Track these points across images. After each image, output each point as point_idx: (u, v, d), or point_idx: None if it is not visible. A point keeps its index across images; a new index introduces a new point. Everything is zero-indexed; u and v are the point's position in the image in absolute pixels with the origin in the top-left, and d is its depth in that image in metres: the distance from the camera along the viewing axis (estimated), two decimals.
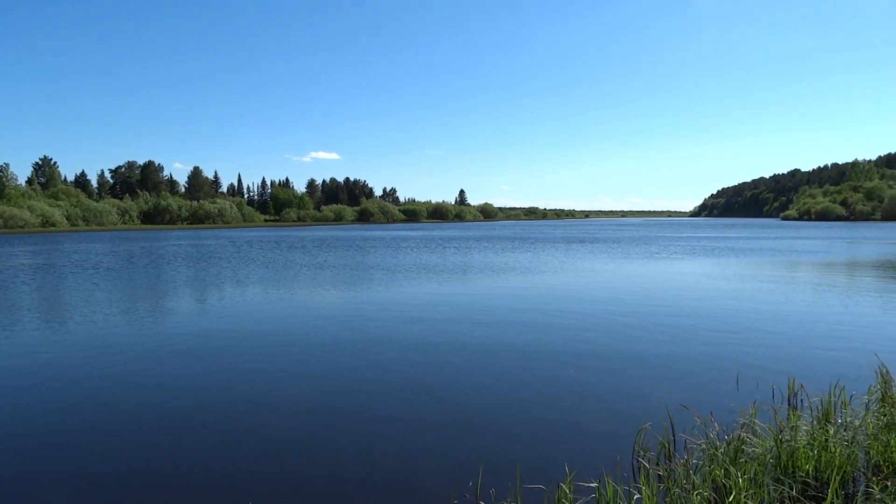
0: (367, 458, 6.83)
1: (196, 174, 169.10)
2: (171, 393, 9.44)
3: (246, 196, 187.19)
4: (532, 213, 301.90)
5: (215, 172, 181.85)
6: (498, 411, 8.39)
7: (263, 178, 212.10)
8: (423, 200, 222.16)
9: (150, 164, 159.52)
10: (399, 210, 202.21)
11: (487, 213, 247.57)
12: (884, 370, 7.63)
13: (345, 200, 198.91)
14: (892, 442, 5.97)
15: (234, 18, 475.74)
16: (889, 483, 5.32)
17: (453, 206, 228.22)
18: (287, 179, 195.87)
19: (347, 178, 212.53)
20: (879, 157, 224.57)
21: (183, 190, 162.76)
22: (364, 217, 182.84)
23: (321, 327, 14.85)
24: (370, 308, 17.89)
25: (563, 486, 5.34)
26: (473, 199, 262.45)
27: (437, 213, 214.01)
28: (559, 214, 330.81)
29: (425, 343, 12.87)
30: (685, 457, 6.04)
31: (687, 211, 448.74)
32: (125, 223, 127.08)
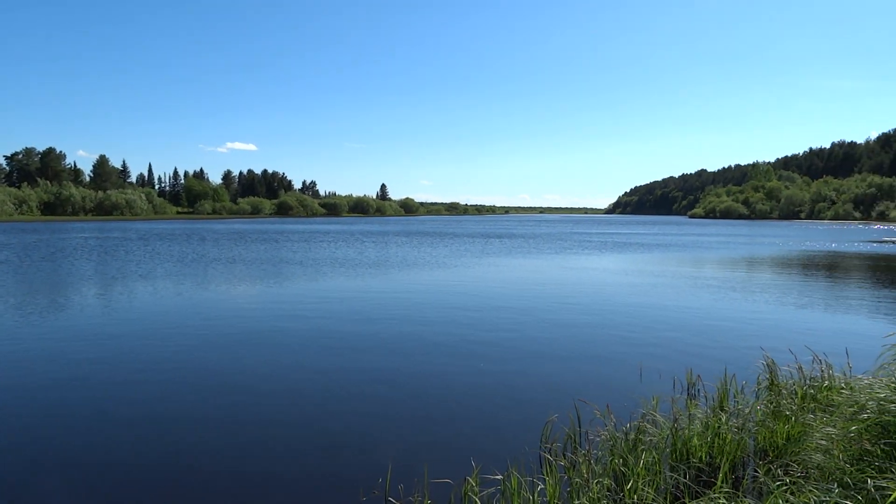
0: (275, 459, 6.69)
1: (102, 163, 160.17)
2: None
3: (157, 187, 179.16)
4: (453, 209, 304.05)
5: (123, 162, 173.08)
6: (407, 408, 8.41)
7: (176, 169, 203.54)
8: (343, 194, 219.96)
9: (50, 151, 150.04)
10: (319, 204, 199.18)
11: (409, 207, 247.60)
12: (770, 361, 8.12)
13: (263, 193, 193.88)
14: (777, 428, 6.36)
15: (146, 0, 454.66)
16: (772, 466, 5.66)
17: (374, 200, 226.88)
18: (202, 170, 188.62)
19: (265, 171, 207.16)
20: (777, 159, 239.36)
21: (88, 179, 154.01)
22: (283, 210, 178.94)
23: (223, 326, 14.43)
24: (276, 306, 17.54)
25: (470, 480, 5.41)
26: (395, 194, 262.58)
27: (358, 207, 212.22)
28: (480, 210, 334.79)
29: (333, 341, 12.73)
30: (589, 448, 6.24)
31: (602, 208, 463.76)
32: (22, 213, 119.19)
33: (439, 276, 25.13)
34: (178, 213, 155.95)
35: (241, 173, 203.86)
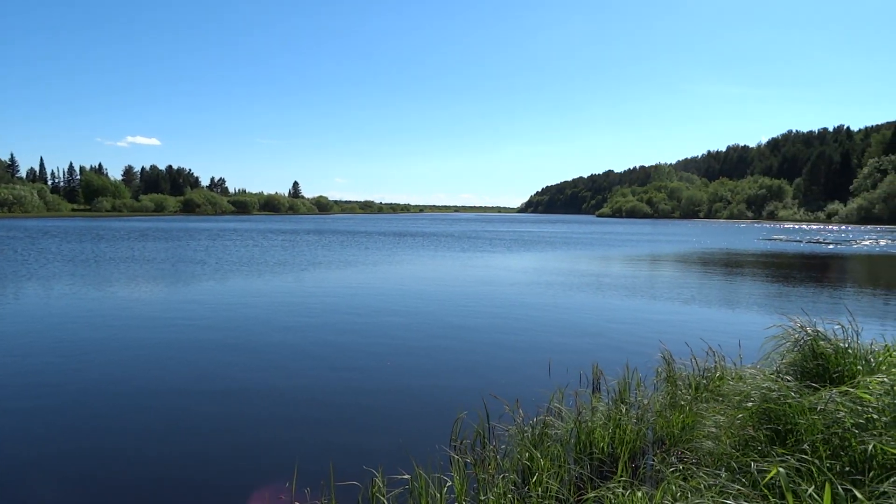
0: (175, 465, 6.41)
1: None
2: None
3: (50, 183, 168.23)
4: (368, 207, 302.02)
5: (11, 155, 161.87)
6: (312, 409, 8.27)
7: (71, 164, 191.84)
8: (254, 192, 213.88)
9: None
10: (228, 201, 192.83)
11: (322, 206, 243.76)
12: (667, 354, 8.51)
13: (167, 190, 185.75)
14: (673, 417, 6.66)
15: None
16: (668, 454, 5.93)
17: (286, 198, 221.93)
18: (100, 165, 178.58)
19: (170, 166, 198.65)
20: (678, 161, 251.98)
21: None
22: (189, 208, 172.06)
23: (115, 329, 13.74)
24: (173, 306, 16.87)
25: (377, 480, 5.37)
26: (308, 192, 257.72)
27: (270, 205, 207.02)
28: (395, 209, 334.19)
29: (232, 342, 12.37)
30: (496, 443, 6.33)
31: (515, 207, 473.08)
32: None
33: (347, 276, 24.89)
34: (74, 210, 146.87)
35: (143, 169, 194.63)
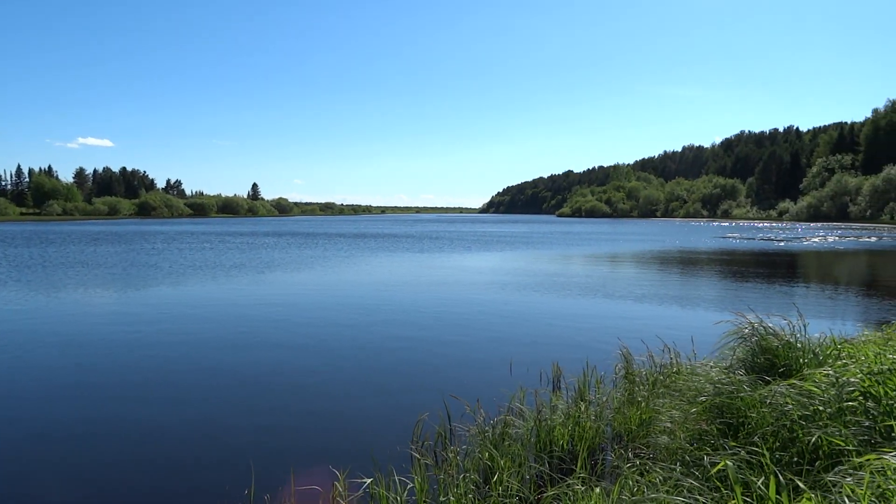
0: (132, 473, 6.27)
1: None
2: None
3: None
4: (328, 209, 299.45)
5: None
6: (272, 413, 8.18)
7: (19, 166, 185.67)
8: (212, 194, 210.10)
9: None
10: (185, 204, 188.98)
11: (282, 208, 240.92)
12: (626, 351, 8.66)
13: (121, 193, 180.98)
14: (631, 414, 6.79)
15: None
16: (625, 450, 6.03)
17: (245, 200, 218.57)
18: (50, 168, 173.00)
19: (124, 168, 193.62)
20: (636, 161, 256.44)
21: None
22: (144, 211, 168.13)
23: (66, 334, 13.38)
24: (124, 310, 16.49)
25: (337, 485, 5.34)
26: (267, 194, 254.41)
27: (228, 207, 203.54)
28: (356, 210, 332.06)
29: (189, 346, 12.18)
30: (461, 444, 6.35)
31: (476, 207, 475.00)
32: None
33: (303, 279, 24.67)
34: (23, 214, 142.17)
35: (95, 171, 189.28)
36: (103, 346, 12.23)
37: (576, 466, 5.82)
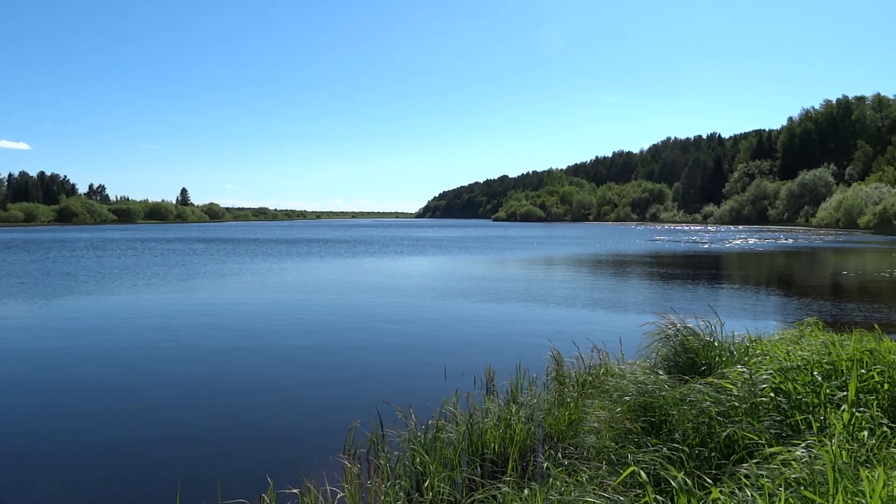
0: (51, 493, 5.96)
1: None
2: None
3: None
4: (262, 214, 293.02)
5: None
6: (198, 425, 7.95)
7: None
8: (139, 199, 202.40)
9: None
10: (109, 210, 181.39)
11: (214, 213, 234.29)
12: (556, 353, 8.82)
13: (39, 198, 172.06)
14: (561, 415, 6.91)
15: None
16: (555, 451, 6.14)
17: (174, 205, 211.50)
18: None
19: (42, 173, 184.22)
20: (568, 166, 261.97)
21: None
22: (65, 217, 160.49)
23: None
24: (27, 321, 15.75)
25: (266, 497, 5.23)
26: (198, 199, 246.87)
27: (156, 213, 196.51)
28: (290, 215, 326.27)
29: (106, 355, 11.74)
30: (394, 450, 6.32)
31: (413, 212, 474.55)
32: None
33: (233, 285, 24.11)
34: None
35: (10, 176, 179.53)
36: (13, 359, 11.61)
37: (507, 469, 5.89)
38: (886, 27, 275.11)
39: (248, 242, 61.96)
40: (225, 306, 18.36)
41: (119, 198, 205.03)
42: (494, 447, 6.44)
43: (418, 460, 5.94)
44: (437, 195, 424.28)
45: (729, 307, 17.64)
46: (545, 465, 5.81)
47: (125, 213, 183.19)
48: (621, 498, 3.84)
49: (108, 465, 6.69)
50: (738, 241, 60.39)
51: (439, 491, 5.31)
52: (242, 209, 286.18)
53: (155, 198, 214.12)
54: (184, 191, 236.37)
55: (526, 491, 4.46)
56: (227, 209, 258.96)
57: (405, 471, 5.83)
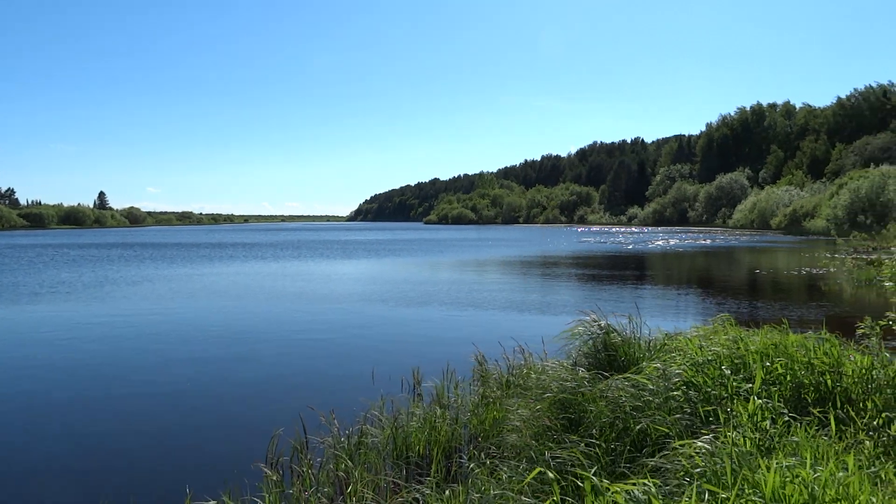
0: None
1: None
2: None
3: None
4: (186, 218, 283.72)
5: None
6: (115, 438, 7.64)
7: None
8: (52, 203, 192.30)
9: None
10: (19, 214, 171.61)
11: (134, 217, 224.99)
12: (480, 355, 8.90)
13: None
14: (484, 414, 6.97)
15: None
16: (479, 451, 6.18)
17: (92, 210, 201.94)
18: None
19: None
20: (499, 169, 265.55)
21: None
22: None
23: None
24: None
25: None
26: (117, 203, 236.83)
27: (72, 218, 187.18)
28: (216, 219, 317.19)
29: (15, 370, 11.11)
30: (318, 457, 6.22)
31: (344, 215, 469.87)
32: None
33: (150, 291, 23.23)
34: None
35: None
36: None
37: (431, 470, 5.89)
38: (796, 38, 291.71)
39: (169, 247, 59.76)
40: (138, 316, 17.64)
41: (31, 202, 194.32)
42: (419, 449, 6.43)
43: (342, 466, 5.86)
44: (368, 198, 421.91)
45: (651, 306, 18.25)
46: (468, 464, 5.85)
47: (37, 217, 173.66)
48: (538, 495, 3.90)
49: (18, 481, 6.31)
50: (660, 242, 62.58)
51: (363, 496, 5.26)
52: (165, 213, 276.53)
53: (71, 201, 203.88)
54: (102, 194, 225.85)
55: (447, 492, 4.48)
56: (149, 213, 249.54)
57: (328, 477, 5.75)
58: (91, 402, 9.16)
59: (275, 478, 5.60)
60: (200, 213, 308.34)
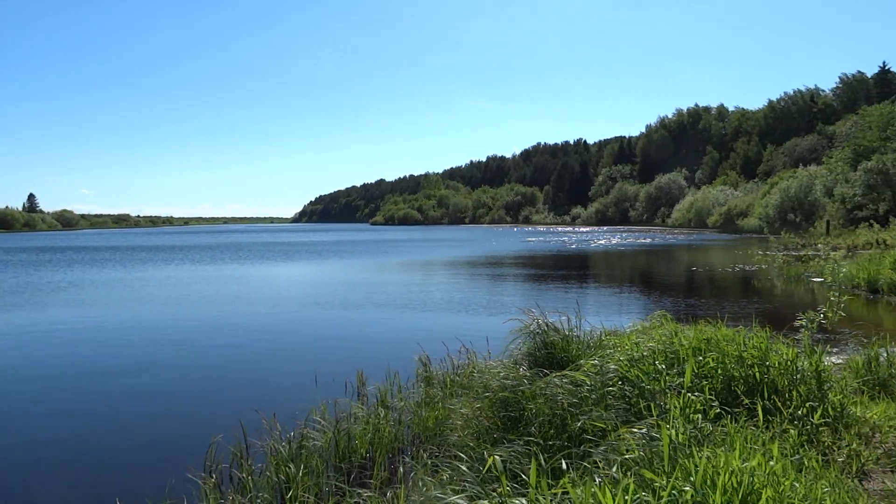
0: None
1: None
2: None
3: None
4: (123, 221, 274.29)
5: None
6: (52, 446, 7.32)
7: None
8: None
9: None
10: None
11: (67, 221, 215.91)
12: (424, 355, 8.92)
13: None
14: (428, 415, 6.98)
15: None
16: (422, 451, 6.18)
17: (21, 213, 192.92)
18: None
19: None
20: (445, 170, 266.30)
21: None
22: None
23: None
24: None
25: None
26: (48, 206, 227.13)
27: None
28: (155, 222, 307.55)
29: None
30: (259, 463, 6.11)
31: (289, 217, 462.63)
32: None
33: (83, 296, 22.40)
34: None
35: None
36: None
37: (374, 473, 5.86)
38: (733, 41, 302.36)
39: (102, 251, 57.56)
40: (62, 324, 16.95)
41: None
42: (362, 452, 6.40)
43: (283, 471, 5.78)
44: (313, 199, 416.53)
45: (593, 304, 18.62)
46: (410, 465, 5.85)
47: None
48: (482, 496, 3.92)
49: None
50: (602, 241, 63.91)
51: (304, 501, 5.20)
52: (101, 216, 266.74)
53: None
54: (31, 196, 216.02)
55: (389, 493, 4.47)
56: (83, 216, 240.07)
57: (268, 483, 5.65)
58: (15, 415, 8.76)
59: (212, 484, 5.47)
60: (138, 216, 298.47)
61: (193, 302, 20.52)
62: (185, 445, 7.35)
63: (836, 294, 8.89)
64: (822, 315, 7.07)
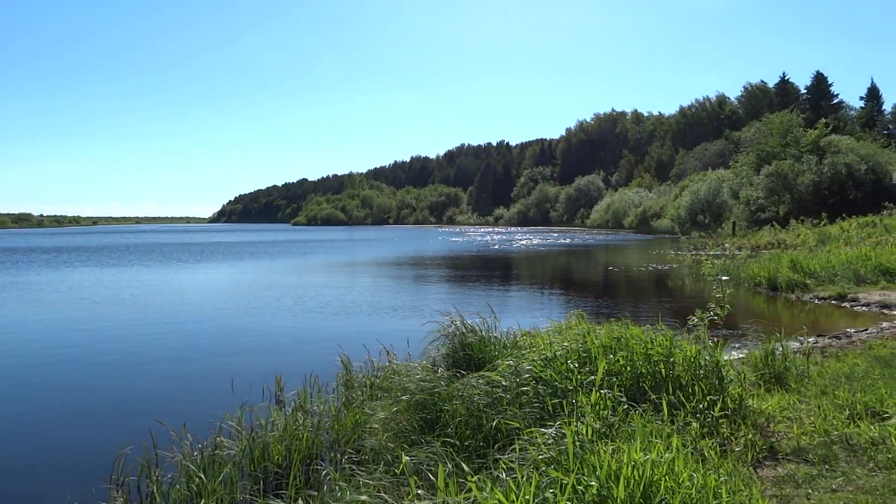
0: None
1: None
2: None
3: None
4: (25, 220, 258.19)
5: None
6: None
7: None
8: None
9: None
10: None
11: None
12: (345, 358, 8.85)
13: None
14: (346, 419, 6.93)
15: None
16: (341, 455, 6.14)
17: None
18: None
19: None
20: (369, 170, 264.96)
21: None
22: None
23: None
24: None
25: None
26: None
27: None
28: (60, 221, 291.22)
29: None
30: (169, 474, 5.90)
31: (206, 217, 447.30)
32: None
33: None
34: None
35: None
36: None
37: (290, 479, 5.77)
38: (647, 47, 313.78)
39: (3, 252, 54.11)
40: None
41: None
42: (278, 459, 6.29)
43: (195, 481, 5.61)
44: (232, 199, 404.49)
45: (513, 304, 18.97)
46: (326, 471, 5.80)
47: None
48: (386, 496, 3.94)
49: None
50: (523, 242, 65.11)
51: None
52: None
53: None
54: None
55: (301, 500, 4.42)
56: None
57: (179, 494, 5.48)
58: None
59: (120, 499, 5.25)
60: (41, 215, 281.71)
61: (93, 310, 19.53)
62: (91, 458, 7.03)
63: (723, 290, 9.37)
64: (711, 312, 7.45)
